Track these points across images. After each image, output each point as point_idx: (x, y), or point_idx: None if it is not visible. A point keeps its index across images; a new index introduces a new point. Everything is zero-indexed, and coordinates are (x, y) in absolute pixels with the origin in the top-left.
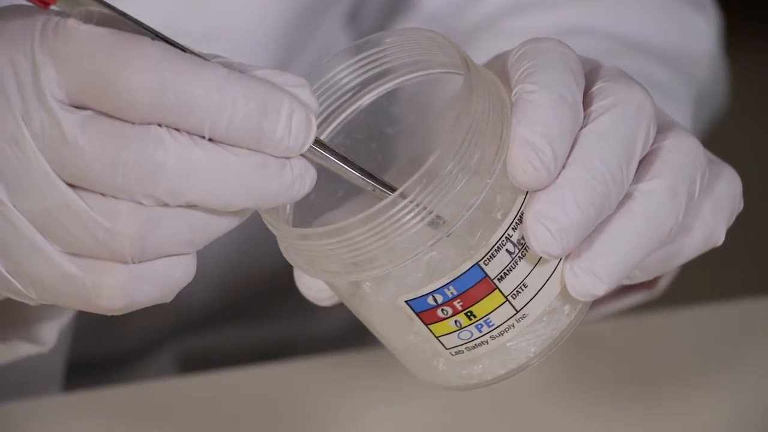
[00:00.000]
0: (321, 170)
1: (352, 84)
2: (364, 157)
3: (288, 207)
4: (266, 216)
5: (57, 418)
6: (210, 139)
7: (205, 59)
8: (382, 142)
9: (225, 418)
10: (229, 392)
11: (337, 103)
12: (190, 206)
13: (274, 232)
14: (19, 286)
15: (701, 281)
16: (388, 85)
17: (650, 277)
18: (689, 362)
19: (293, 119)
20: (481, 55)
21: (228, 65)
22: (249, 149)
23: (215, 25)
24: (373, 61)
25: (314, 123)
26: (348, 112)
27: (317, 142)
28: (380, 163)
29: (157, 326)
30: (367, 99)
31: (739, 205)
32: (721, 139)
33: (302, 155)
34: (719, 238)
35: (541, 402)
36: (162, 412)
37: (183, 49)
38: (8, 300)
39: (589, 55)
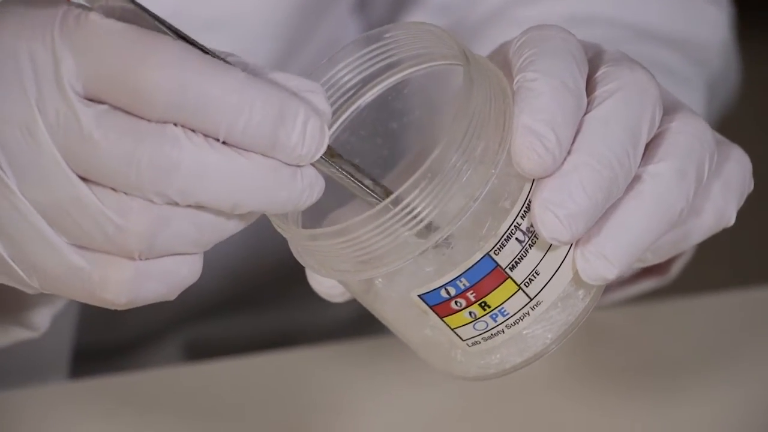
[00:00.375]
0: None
1: (354, 81)
2: (371, 153)
3: None
4: (275, 219)
5: (63, 405)
6: (224, 142)
7: (223, 59)
8: (388, 137)
9: (230, 405)
10: (235, 380)
11: (341, 100)
12: (200, 207)
13: (284, 234)
14: (22, 274)
15: (712, 270)
16: (391, 80)
17: (662, 260)
18: (699, 351)
19: (308, 127)
20: (491, 46)
21: (244, 66)
22: (262, 154)
23: (221, 12)
24: (374, 57)
25: (327, 132)
26: (352, 108)
27: (328, 152)
28: (387, 158)
29: (163, 314)
30: (370, 95)
31: (749, 185)
32: (732, 126)
33: (312, 164)
34: (730, 219)
35: (551, 390)
36: (167, 399)
37: (203, 49)
38: (2, 285)
39: (601, 41)
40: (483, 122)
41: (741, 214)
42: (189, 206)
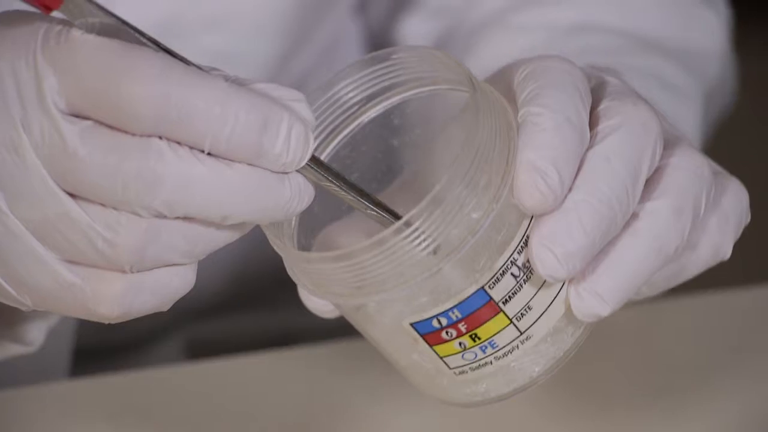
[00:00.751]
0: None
1: (358, 98)
2: (370, 168)
3: (293, 221)
4: (271, 236)
5: (64, 404)
6: (209, 153)
7: (205, 71)
8: (388, 153)
9: (231, 405)
10: (236, 379)
11: (343, 116)
12: (189, 219)
13: (279, 252)
14: (13, 293)
15: (713, 269)
16: (394, 99)
17: (657, 293)
18: (700, 350)
19: (292, 134)
20: (488, 51)
21: (226, 77)
22: (248, 164)
23: (223, 10)
24: (379, 76)
25: (312, 139)
26: (353, 125)
27: (313, 159)
28: (385, 173)
29: (165, 314)
30: (372, 112)
31: (746, 218)
32: (731, 126)
33: (299, 172)
34: (726, 253)
35: (550, 387)
36: (168, 398)
37: (185, 61)
38: None
39: (600, 52)
40: (488, 155)
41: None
42: (178, 218)
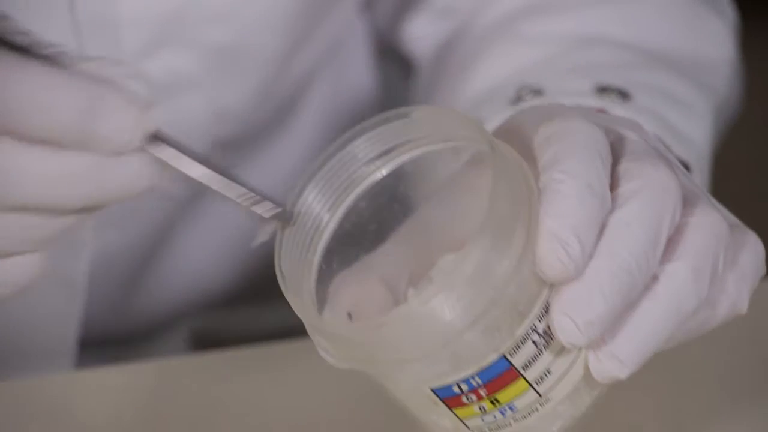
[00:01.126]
0: (341, 236)
1: (375, 153)
2: (387, 219)
3: (312, 276)
4: (290, 295)
5: (69, 394)
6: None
7: (33, 51)
8: (405, 204)
9: (236, 396)
10: (241, 370)
11: (361, 170)
12: (25, 209)
13: (298, 314)
14: None
15: None
16: (412, 153)
17: (673, 346)
18: (700, 347)
19: (122, 115)
20: (495, 60)
21: (56, 56)
22: (79, 149)
23: (228, 3)
24: (396, 133)
25: (146, 115)
26: (370, 178)
27: (153, 136)
28: (400, 221)
29: (172, 306)
30: (389, 166)
31: (762, 271)
32: (732, 127)
33: (144, 150)
34: (743, 308)
35: None
36: (174, 389)
37: (8, 44)
38: None
39: (609, 68)
40: (510, 223)
41: (741, 213)
42: (15, 210)
